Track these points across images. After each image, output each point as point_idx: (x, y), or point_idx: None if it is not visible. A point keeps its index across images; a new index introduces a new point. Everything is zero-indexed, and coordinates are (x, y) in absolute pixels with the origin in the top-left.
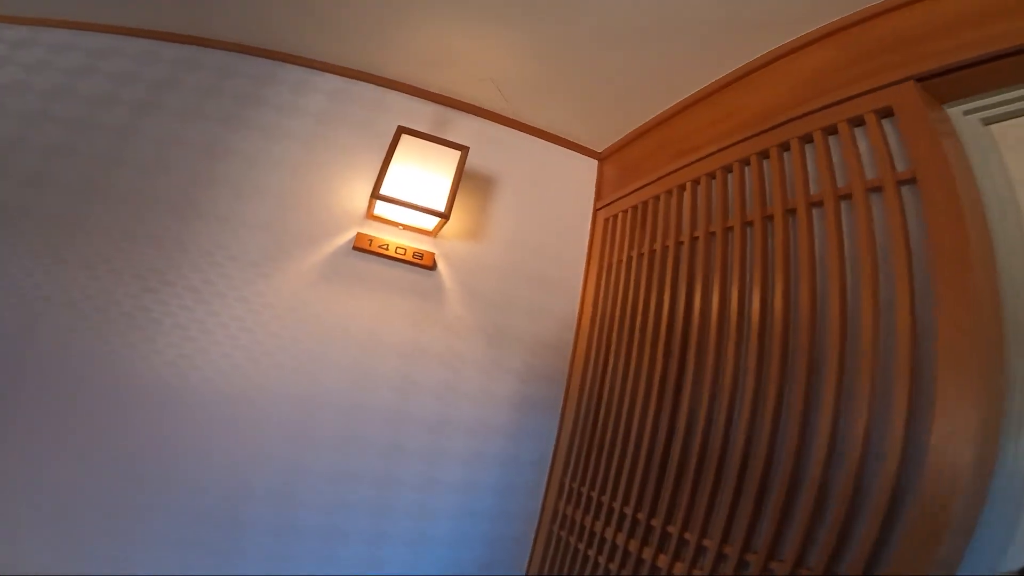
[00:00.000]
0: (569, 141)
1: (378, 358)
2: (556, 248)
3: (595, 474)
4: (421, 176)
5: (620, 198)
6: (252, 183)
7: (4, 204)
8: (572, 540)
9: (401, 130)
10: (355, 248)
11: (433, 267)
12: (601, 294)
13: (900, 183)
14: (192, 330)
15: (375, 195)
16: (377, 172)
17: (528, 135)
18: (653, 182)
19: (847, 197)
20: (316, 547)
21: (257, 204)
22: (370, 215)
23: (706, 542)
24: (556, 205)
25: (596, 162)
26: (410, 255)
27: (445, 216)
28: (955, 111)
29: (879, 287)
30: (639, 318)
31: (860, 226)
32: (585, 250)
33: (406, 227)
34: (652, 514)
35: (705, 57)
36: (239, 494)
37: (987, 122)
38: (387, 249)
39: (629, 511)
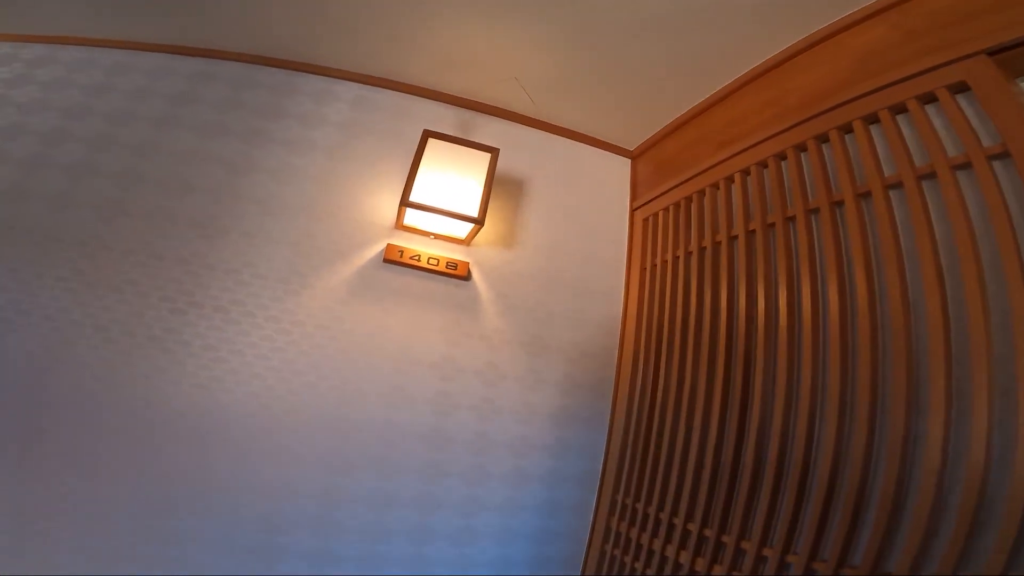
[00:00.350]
0: (599, 140)
1: (413, 374)
2: (593, 251)
3: (651, 488)
4: (451, 181)
5: (658, 196)
6: (277, 198)
7: (30, 228)
8: (627, 559)
9: (427, 134)
10: (386, 260)
11: (467, 277)
12: (646, 298)
13: (991, 158)
14: (222, 351)
15: (404, 203)
16: (404, 181)
17: (556, 135)
18: (695, 176)
19: (929, 176)
20: (355, 574)
21: (283, 219)
22: (399, 225)
23: (766, 551)
24: (590, 207)
25: (629, 160)
26: (443, 265)
27: (479, 222)
28: None
29: (984, 273)
30: (692, 321)
31: (951, 206)
32: (624, 252)
33: (437, 236)
34: (706, 524)
35: (746, 41)
36: (275, 519)
37: None
38: (419, 260)
39: (693, 527)
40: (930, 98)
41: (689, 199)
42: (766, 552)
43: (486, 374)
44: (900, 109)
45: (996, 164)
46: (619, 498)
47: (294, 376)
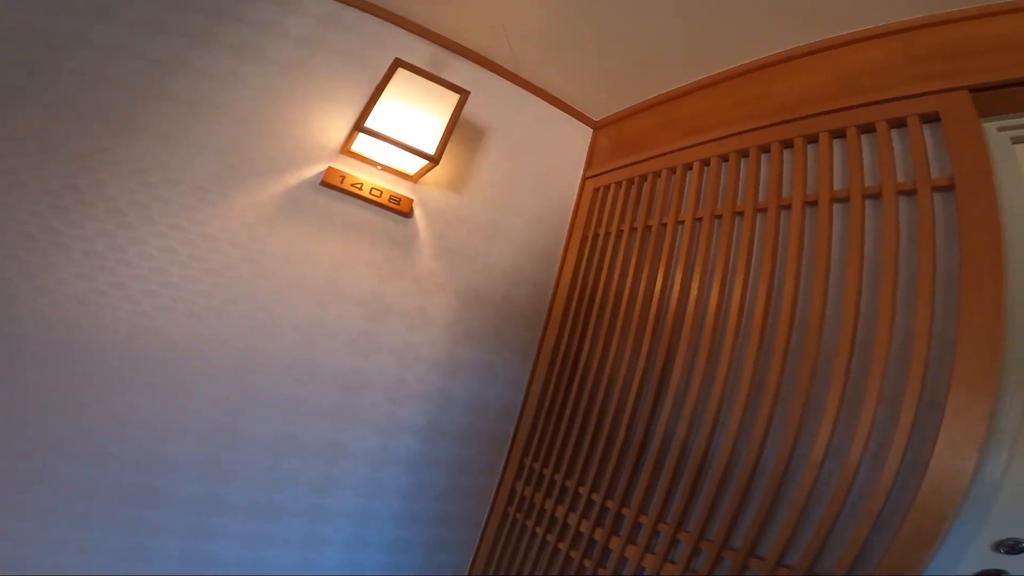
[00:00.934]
0: (567, 105)
1: (336, 310)
2: (540, 212)
3: (560, 455)
4: (411, 115)
5: (613, 169)
6: (211, 103)
7: None
8: (528, 523)
9: (398, 63)
10: (324, 184)
11: (409, 214)
12: (582, 266)
13: (935, 189)
14: (109, 260)
15: (358, 127)
16: (360, 107)
17: (526, 91)
18: (655, 157)
19: (874, 196)
20: (246, 524)
21: (214, 126)
22: (346, 150)
23: (661, 526)
24: (545, 168)
25: (591, 130)
26: (386, 198)
27: (435, 160)
28: (989, 126)
29: (898, 290)
30: (625, 295)
31: (887, 226)
32: (569, 218)
33: (385, 168)
34: (609, 496)
35: (744, 37)
36: (156, 462)
37: (1015, 141)
38: (360, 189)
39: (597, 498)
40: (900, 123)
41: (644, 178)
42: (660, 527)
43: (413, 317)
44: (868, 129)
45: (938, 196)
46: (527, 462)
47: (196, 297)
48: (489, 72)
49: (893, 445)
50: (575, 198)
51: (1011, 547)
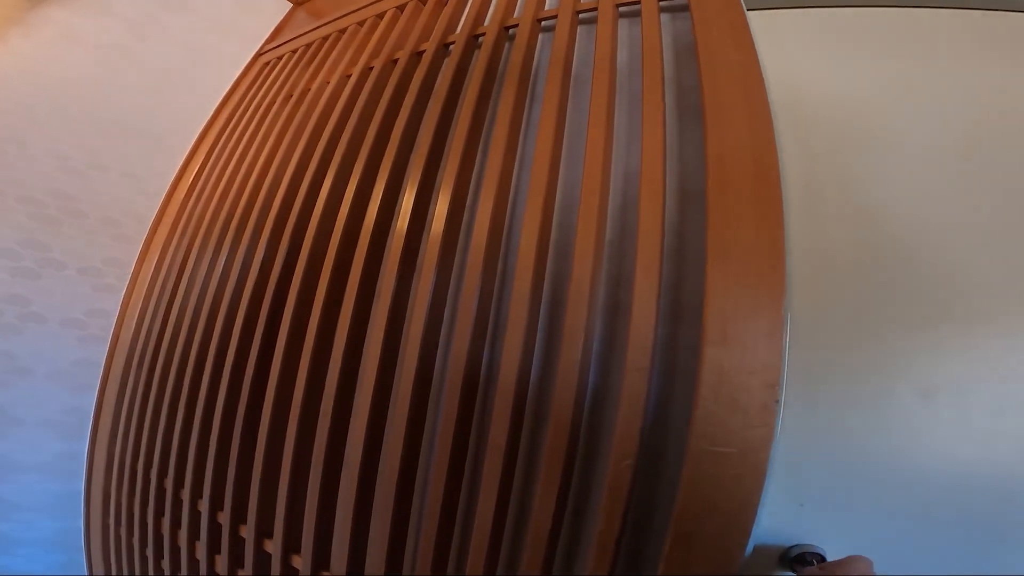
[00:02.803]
0: None
1: None
2: (182, 91)
3: (151, 440)
4: None
5: (292, 39)
6: None
7: None
8: (134, 542)
9: None
10: None
11: None
12: (216, 157)
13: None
14: None
15: None
16: None
17: None
18: (337, 19)
19: (589, 19)
20: None
21: None
22: None
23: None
24: (212, 41)
25: (291, 5)
26: None
27: None
28: None
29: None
30: (259, 201)
31: (601, 48)
32: (218, 104)
33: None
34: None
35: None
36: None
37: None
38: None
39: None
40: None
41: (326, 37)
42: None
43: None
44: None
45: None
46: (116, 451)
47: None
48: None
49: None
50: (236, 78)
51: None
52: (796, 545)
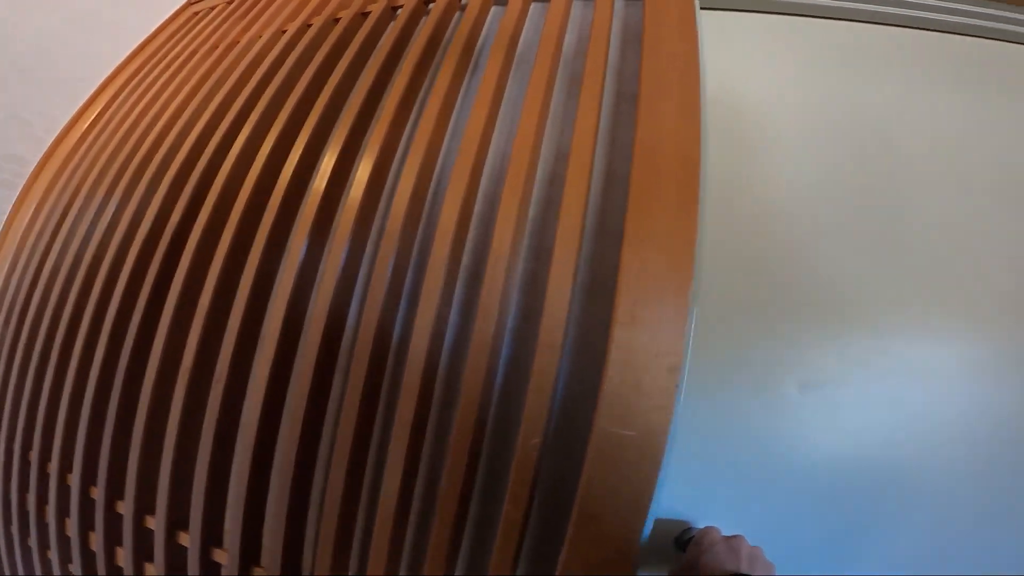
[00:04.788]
0: None
1: None
2: (98, 37)
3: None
4: None
5: None
6: None
7: None
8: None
9: None
10: None
11: None
12: (125, 110)
13: None
14: None
15: None
16: None
17: None
18: None
19: None
20: None
21: None
22: None
23: None
24: None
25: None
26: None
27: None
28: None
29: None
30: (180, 146)
31: (549, 26)
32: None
33: None
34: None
35: None
36: None
37: None
38: None
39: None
40: None
41: None
42: None
43: None
44: None
45: None
46: None
47: None
48: None
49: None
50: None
51: None
52: (688, 529)
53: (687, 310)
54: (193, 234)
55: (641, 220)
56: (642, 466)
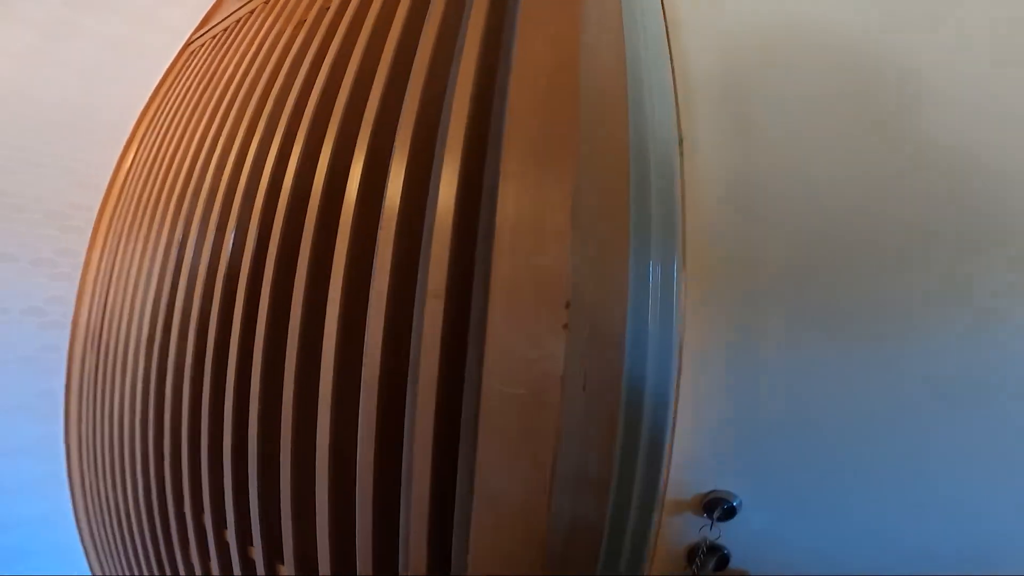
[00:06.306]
0: None
1: None
2: (106, 85)
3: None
4: None
5: (222, 20)
6: None
7: None
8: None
9: None
10: None
11: None
12: (154, 151)
13: None
14: None
15: None
16: None
17: None
18: None
19: None
20: None
21: None
22: None
23: None
24: (120, 27)
25: None
26: None
27: None
28: None
29: None
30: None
31: None
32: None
33: None
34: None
35: None
36: None
37: None
38: None
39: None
40: None
41: (252, 11)
42: None
43: None
44: None
45: None
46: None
47: None
48: None
49: None
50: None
51: None
52: (713, 491)
53: (568, 230)
54: (301, 259)
55: (518, 135)
56: (537, 435)
